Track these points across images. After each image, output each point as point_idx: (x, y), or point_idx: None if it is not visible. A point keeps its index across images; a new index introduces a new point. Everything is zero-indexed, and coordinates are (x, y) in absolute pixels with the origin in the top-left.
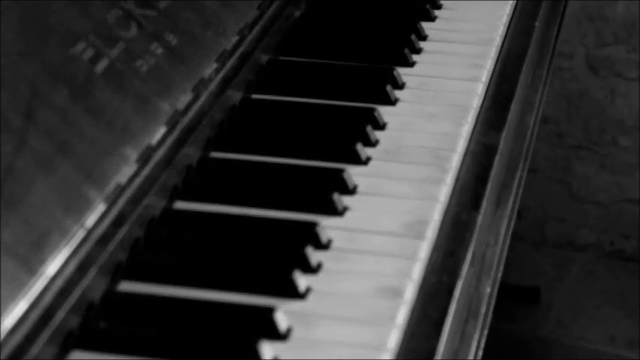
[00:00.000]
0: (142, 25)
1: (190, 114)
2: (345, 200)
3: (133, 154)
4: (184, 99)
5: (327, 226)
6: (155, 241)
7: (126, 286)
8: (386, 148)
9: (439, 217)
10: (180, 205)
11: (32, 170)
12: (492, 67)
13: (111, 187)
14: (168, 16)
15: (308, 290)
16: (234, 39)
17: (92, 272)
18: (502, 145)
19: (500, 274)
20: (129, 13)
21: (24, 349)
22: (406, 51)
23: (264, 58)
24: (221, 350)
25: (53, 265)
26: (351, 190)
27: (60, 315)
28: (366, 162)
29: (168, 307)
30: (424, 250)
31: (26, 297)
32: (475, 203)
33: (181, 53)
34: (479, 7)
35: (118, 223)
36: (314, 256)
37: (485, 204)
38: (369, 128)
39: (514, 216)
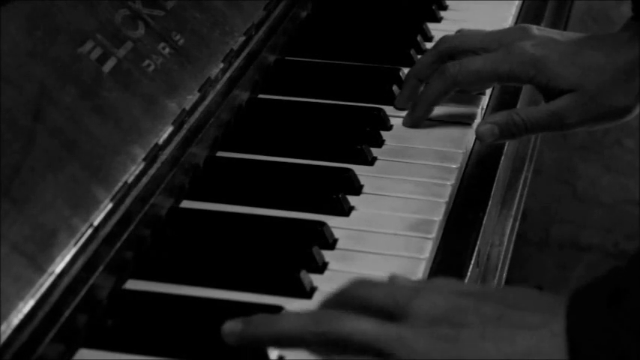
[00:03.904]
0: (150, 24)
1: (197, 113)
2: (351, 200)
3: (140, 153)
4: (191, 98)
5: (333, 225)
6: (162, 240)
7: (133, 285)
8: (392, 148)
9: (444, 216)
10: (186, 204)
11: (40, 169)
12: None
13: (118, 185)
14: (175, 15)
15: (314, 289)
16: (241, 39)
17: (99, 270)
18: (507, 146)
19: (504, 274)
20: (136, 12)
21: (31, 347)
22: (412, 52)
23: (271, 58)
24: (228, 349)
25: (61, 264)
26: (356, 190)
27: (67, 313)
28: (371, 162)
29: (174, 306)
30: (429, 249)
31: (34, 295)
32: (480, 203)
33: (188, 53)
34: (484, 7)
35: (125, 221)
36: (320, 255)
37: (490, 204)
38: (375, 128)
39: (519, 216)
